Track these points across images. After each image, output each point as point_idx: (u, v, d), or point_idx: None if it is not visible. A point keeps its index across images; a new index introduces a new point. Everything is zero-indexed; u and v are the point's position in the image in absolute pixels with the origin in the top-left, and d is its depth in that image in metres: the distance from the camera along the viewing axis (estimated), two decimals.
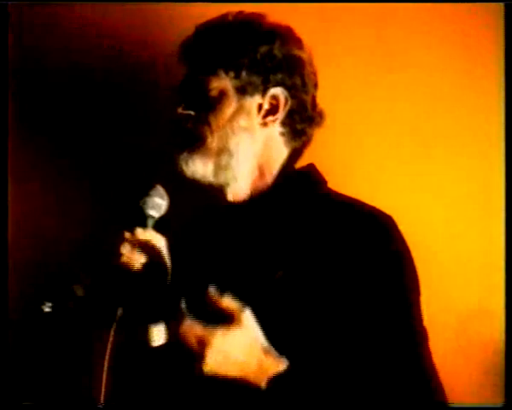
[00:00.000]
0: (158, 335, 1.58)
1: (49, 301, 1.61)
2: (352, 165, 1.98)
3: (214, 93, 1.62)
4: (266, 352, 1.44)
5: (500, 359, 1.85)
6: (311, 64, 1.69)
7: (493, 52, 1.95)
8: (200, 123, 1.62)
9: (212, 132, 1.61)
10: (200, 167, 1.61)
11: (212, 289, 1.42)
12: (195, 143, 1.61)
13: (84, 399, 1.65)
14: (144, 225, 1.57)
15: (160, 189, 1.60)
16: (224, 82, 1.62)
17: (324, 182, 1.68)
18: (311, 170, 1.69)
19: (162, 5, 1.99)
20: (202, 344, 1.39)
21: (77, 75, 2.02)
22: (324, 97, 1.72)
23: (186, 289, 1.54)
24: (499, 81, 1.93)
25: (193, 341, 1.40)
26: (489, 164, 1.98)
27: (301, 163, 1.72)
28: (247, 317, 1.43)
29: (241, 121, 1.61)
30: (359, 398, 1.46)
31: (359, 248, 1.52)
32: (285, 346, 1.47)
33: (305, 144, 1.70)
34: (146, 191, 1.59)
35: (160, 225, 1.60)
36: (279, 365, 1.44)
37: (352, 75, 1.99)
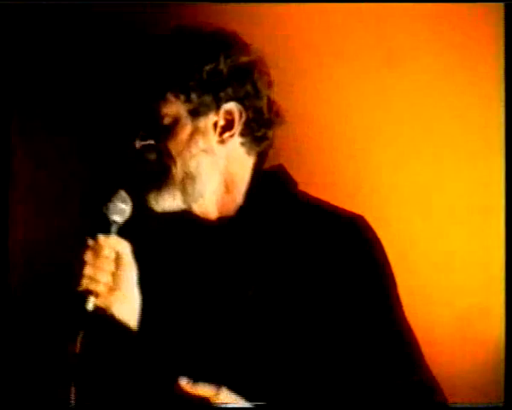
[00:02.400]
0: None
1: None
2: (350, 165, 1.98)
3: (168, 120, 1.60)
4: None
5: (500, 358, 1.85)
6: (262, 65, 1.65)
7: (493, 52, 1.95)
8: (162, 154, 1.60)
9: (174, 161, 1.59)
10: (169, 201, 1.60)
11: (183, 380, 1.41)
12: (161, 177, 1.60)
13: (56, 399, 1.63)
14: (108, 232, 1.55)
15: (122, 193, 1.59)
16: (175, 107, 1.60)
17: (294, 183, 1.68)
18: (280, 173, 1.68)
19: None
20: None
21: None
22: (323, 97, 1.72)
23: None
24: (499, 81, 1.93)
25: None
26: (489, 163, 1.98)
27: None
28: (225, 395, 1.42)
29: (199, 143, 1.60)
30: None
31: (333, 251, 1.55)
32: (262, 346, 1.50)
33: (268, 147, 1.68)
34: (108, 197, 1.58)
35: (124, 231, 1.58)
36: None
37: (351, 74, 1.99)
